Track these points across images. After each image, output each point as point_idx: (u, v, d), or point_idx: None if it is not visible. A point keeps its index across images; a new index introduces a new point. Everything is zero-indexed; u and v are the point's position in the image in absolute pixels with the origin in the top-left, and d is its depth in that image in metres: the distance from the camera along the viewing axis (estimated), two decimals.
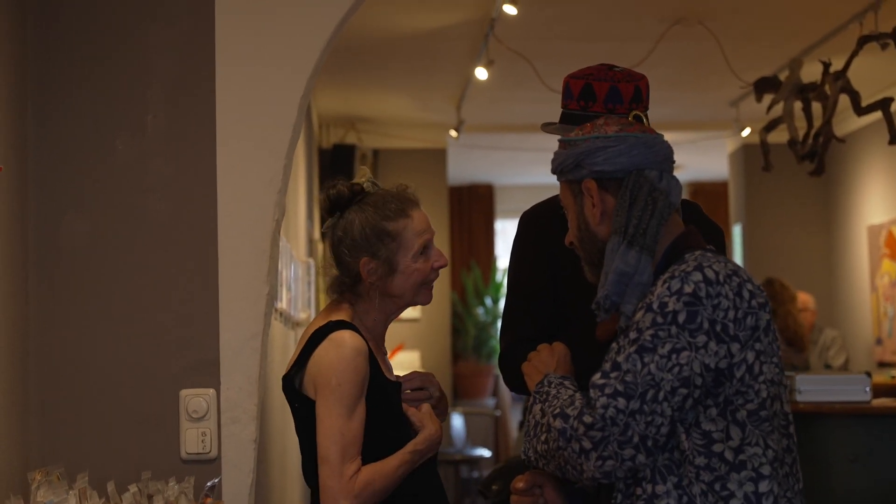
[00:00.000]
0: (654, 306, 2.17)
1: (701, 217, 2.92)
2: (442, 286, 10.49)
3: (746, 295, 2.20)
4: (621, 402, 2.12)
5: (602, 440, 2.13)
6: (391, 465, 2.65)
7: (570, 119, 2.89)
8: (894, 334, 8.46)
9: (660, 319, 2.15)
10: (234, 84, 2.99)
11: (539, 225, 3.02)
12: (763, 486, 2.16)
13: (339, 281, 2.75)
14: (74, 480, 2.59)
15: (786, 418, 2.25)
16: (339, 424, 2.61)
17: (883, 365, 8.53)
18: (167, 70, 2.99)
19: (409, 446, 2.69)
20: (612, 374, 2.15)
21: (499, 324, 8.46)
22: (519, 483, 2.42)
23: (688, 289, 2.16)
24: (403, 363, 9.56)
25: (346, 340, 2.64)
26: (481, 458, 10.36)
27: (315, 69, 3.03)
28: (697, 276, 2.18)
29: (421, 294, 2.75)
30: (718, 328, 2.15)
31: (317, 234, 8.40)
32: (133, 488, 2.55)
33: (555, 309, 2.91)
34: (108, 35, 2.99)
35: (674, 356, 2.14)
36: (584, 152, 2.31)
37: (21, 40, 2.91)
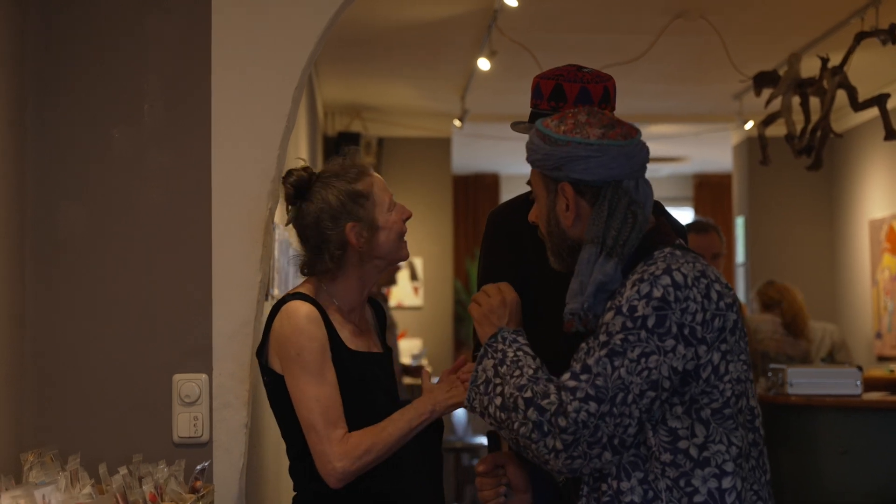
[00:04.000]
0: (624, 310, 2.19)
1: (664, 215, 2.95)
2: (445, 274, 10.53)
3: (714, 296, 2.22)
4: (592, 405, 2.15)
5: (573, 442, 2.16)
6: (389, 427, 2.67)
7: (540, 118, 2.92)
8: (894, 329, 8.48)
9: (629, 324, 2.18)
10: (230, 75, 3.03)
11: (507, 223, 3.06)
12: (726, 483, 2.19)
13: (311, 262, 2.78)
14: (67, 462, 2.64)
15: (752, 413, 2.28)
16: (311, 391, 2.65)
17: (883, 359, 8.56)
18: (164, 61, 3.04)
19: (410, 410, 2.69)
20: (583, 377, 2.18)
21: None
22: (480, 466, 2.46)
23: (657, 293, 2.19)
24: (405, 350, 9.61)
25: (297, 310, 2.69)
26: (482, 446, 10.40)
27: (309, 62, 3.07)
28: (666, 280, 2.20)
29: (401, 248, 2.82)
30: (686, 332, 2.18)
31: None
32: (123, 470, 2.60)
33: (524, 305, 2.96)
34: (106, 26, 3.03)
35: (643, 360, 2.17)
36: (564, 157, 2.31)
37: (20, 31, 2.95)
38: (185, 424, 2.97)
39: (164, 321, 2.99)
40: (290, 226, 2.84)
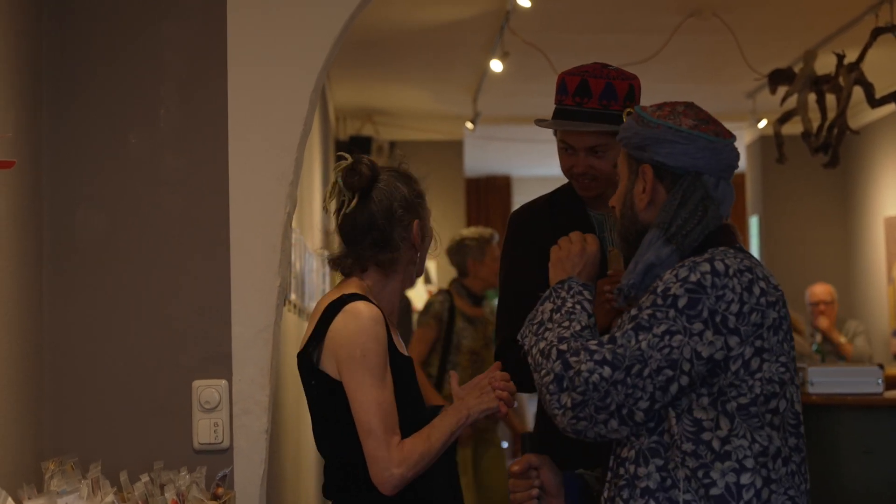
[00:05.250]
0: (658, 290, 2.21)
1: None
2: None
3: (757, 291, 2.21)
4: (606, 370, 2.17)
5: (581, 403, 2.17)
6: (434, 434, 2.64)
7: (564, 115, 2.91)
8: None
9: (660, 301, 2.19)
10: (246, 79, 3.01)
11: (528, 225, 3.05)
12: (745, 479, 2.18)
13: (371, 253, 2.72)
14: (87, 470, 2.62)
15: (796, 417, 2.26)
16: (374, 395, 2.61)
17: None
18: (180, 65, 3.02)
19: (449, 416, 2.66)
20: (607, 345, 2.19)
21: None
22: (515, 466, 2.45)
23: (693, 277, 2.19)
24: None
25: (362, 311, 2.65)
26: (503, 450, 10.37)
27: (325, 64, 3.06)
28: (706, 267, 2.20)
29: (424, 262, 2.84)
30: (718, 319, 2.18)
31: (332, 226, 8.43)
32: (144, 478, 2.58)
33: None
34: (122, 31, 3.02)
35: (666, 337, 2.17)
36: (652, 137, 2.30)
37: (35, 35, 2.94)
38: (205, 431, 2.95)
39: (183, 327, 2.98)
40: (332, 224, 2.80)
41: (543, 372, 2.23)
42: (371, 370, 2.63)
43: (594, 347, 2.19)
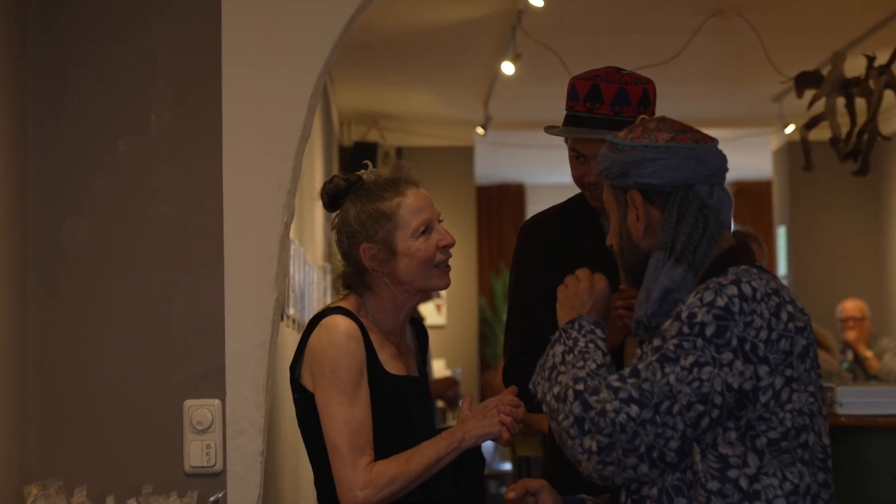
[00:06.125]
0: (683, 316, 2.18)
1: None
2: (469, 290, 10.52)
3: (784, 317, 2.20)
4: (633, 409, 2.14)
5: (608, 446, 2.14)
6: (416, 458, 2.66)
7: (574, 122, 2.92)
8: None
9: (686, 330, 2.17)
10: (242, 83, 3.02)
11: (539, 236, 3.05)
12: None
13: (343, 274, 2.82)
14: (72, 494, 2.63)
15: (824, 451, 2.25)
16: (341, 413, 2.65)
17: None
18: (172, 69, 3.03)
19: (439, 440, 2.67)
20: (630, 380, 2.16)
21: None
22: (510, 493, 2.45)
23: (720, 302, 2.17)
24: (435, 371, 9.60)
25: (337, 324, 2.70)
26: (509, 474, 10.37)
27: (325, 67, 3.07)
28: (732, 290, 2.18)
29: (432, 277, 2.77)
30: (747, 347, 2.15)
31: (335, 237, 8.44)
32: (132, 502, 2.59)
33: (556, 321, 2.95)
34: (111, 32, 3.03)
35: (695, 370, 2.15)
36: (631, 161, 2.31)
37: (20, 38, 2.96)
38: (197, 453, 2.96)
39: (174, 343, 2.99)
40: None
41: (562, 416, 2.20)
42: (339, 386, 2.66)
43: (617, 384, 2.17)
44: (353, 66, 7.80)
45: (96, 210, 3.01)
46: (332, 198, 2.80)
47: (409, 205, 2.76)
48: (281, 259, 3.05)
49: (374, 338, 2.75)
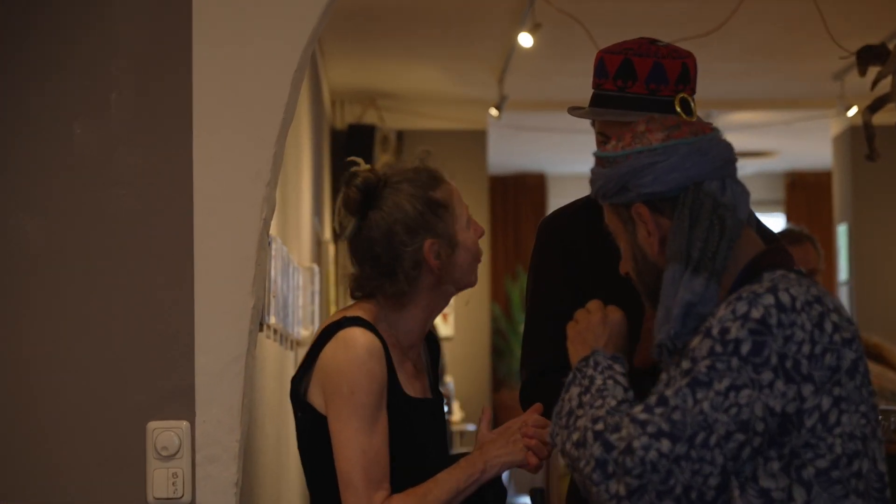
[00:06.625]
0: (714, 332, 2.19)
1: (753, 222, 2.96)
2: (481, 296, 10.54)
3: (829, 328, 2.21)
4: (665, 444, 2.14)
5: (639, 489, 2.15)
6: (435, 491, 2.69)
7: (603, 101, 2.93)
8: None
9: (719, 349, 2.17)
10: (215, 56, 3.04)
11: (562, 234, 3.06)
12: None
13: (358, 277, 2.80)
14: None
15: (880, 479, 2.25)
16: (357, 441, 2.67)
17: None
18: (135, 39, 3.05)
19: (458, 470, 2.71)
20: (658, 410, 2.17)
21: None
22: None
23: (756, 314, 2.18)
24: None
25: (356, 339, 2.71)
26: None
27: (311, 39, 3.08)
28: (769, 300, 2.19)
29: (474, 271, 2.86)
30: (789, 364, 2.16)
31: (326, 235, 8.47)
32: None
33: None
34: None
35: (732, 394, 2.15)
36: (627, 172, 2.33)
37: None
38: (161, 482, 2.98)
39: (137, 357, 3.00)
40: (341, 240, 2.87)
41: (583, 463, 2.21)
42: (358, 411, 2.68)
43: (643, 416, 2.17)
44: (346, 36, 7.82)
45: (48, 204, 3.03)
46: (367, 193, 2.77)
47: (456, 193, 2.84)
48: (259, 260, 3.06)
49: (394, 354, 2.78)
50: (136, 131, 3.05)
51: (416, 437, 2.79)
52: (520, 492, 10.83)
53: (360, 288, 2.82)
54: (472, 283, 2.87)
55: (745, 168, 14.36)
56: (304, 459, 2.82)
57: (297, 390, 2.79)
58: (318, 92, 8.14)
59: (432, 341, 3.01)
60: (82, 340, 3.02)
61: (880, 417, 5.24)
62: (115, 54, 3.05)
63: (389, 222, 2.77)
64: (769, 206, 13.42)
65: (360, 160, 2.87)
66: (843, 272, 10.37)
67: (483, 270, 10.45)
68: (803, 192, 13.36)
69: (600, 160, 2.39)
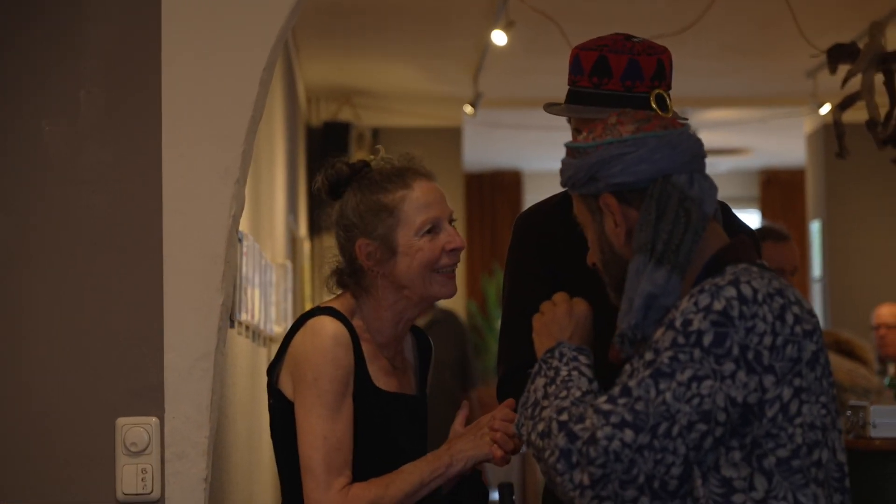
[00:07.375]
0: (677, 324, 2.22)
1: (729, 218, 2.97)
2: (457, 294, 10.54)
3: (790, 319, 2.24)
4: (628, 434, 2.17)
5: (602, 478, 2.17)
6: (397, 482, 2.70)
7: (579, 98, 2.94)
8: None
9: (681, 340, 2.20)
10: (184, 55, 3.04)
11: (538, 230, 3.07)
12: None
13: (338, 272, 2.87)
14: None
15: (840, 469, 2.29)
16: (320, 427, 2.70)
17: None
18: (104, 38, 3.05)
19: (424, 463, 2.72)
20: (621, 401, 2.20)
21: None
22: None
23: (717, 306, 2.21)
24: None
25: (324, 327, 2.74)
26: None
27: (280, 36, 3.09)
28: (731, 292, 2.22)
29: (434, 283, 2.82)
30: (750, 356, 2.19)
31: (302, 232, 8.47)
32: None
33: None
34: None
35: (694, 385, 2.18)
36: (597, 162, 2.36)
37: None
38: (130, 478, 2.98)
39: (105, 353, 3.01)
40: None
41: (547, 453, 2.23)
42: (321, 397, 2.70)
43: (607, 407, 2.19)
44: (321, 33, 7.82)
45: (14, 202, 3.02)
46: (333, 186, 2.85)
47: (414, 199, 2.82)
48: (229, 257, 3.07)
49: (365, 347, 2.80)
50: (105, 129, 3.05)
51: (389, 430, 2.80)
52: (492, 487, 10.84)
53: (336, 278, 2.87)
54: (432, 294, 2.82)
55: (719, 165, 14.46)
56: (275, 448, 2.85)
57: (270, 378, 2.83)
58: (293, 89, 8.14)
59: (423, 342, 3.02)
60: (51, 337, 3.02)
61: (849, 413, 5.28)
62: (84, 52, 3.05)
63: (336, 217, 2.85)
64: (744, 202, 13.47)
65: (381, 147, 2.93)
66: (816, 269, 10.42)
67: (459, 267, 10.48)
68: (778, 189, 13.40)
69: (571, 151, 2.42)
